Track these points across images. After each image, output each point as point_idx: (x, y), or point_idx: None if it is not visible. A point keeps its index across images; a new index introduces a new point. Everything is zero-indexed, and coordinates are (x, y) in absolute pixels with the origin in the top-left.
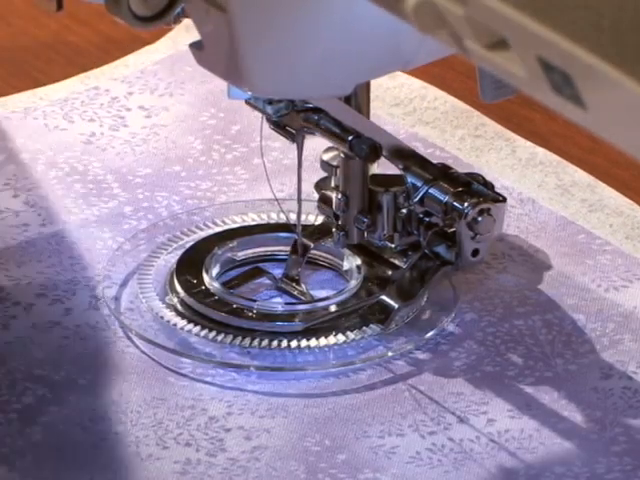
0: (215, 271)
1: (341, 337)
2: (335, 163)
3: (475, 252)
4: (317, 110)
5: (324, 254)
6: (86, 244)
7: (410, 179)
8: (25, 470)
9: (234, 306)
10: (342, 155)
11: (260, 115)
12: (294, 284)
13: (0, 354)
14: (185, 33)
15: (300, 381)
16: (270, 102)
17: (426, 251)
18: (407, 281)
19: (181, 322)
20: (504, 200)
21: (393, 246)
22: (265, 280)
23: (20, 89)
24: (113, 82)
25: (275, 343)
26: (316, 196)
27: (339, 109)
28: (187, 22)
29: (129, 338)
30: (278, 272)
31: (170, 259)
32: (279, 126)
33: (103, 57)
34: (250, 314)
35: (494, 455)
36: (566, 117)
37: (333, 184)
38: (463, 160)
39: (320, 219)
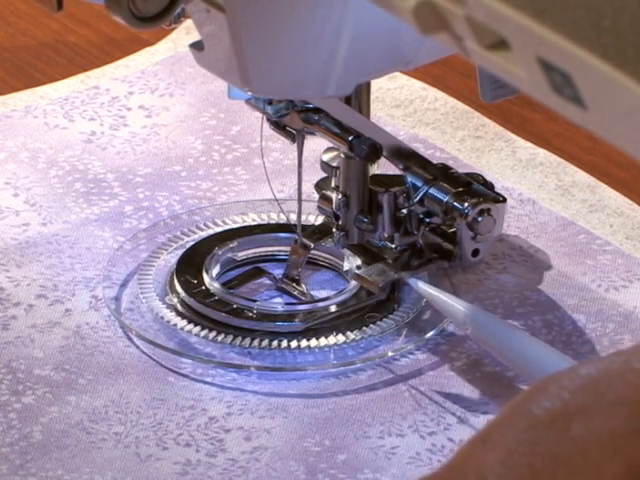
0: (215, 271)
1: (341, 337)
2: (335, 163)
3: (475, 252)
4: (317, 110)
5: (324, 254)
6: (86, 244)
7: (410, 179)
8: (25, 470)
9: (234, 306)
10: (342, 155)
11: (260, 115)
12: (294, 284)
13: (0, 354)
14: (185, 34)
15: (300, 381)
16: (270, 102)
17: (423, 249)
18: (407, 255)
19: (181, 322)
20: (504, 200)
21: (393, 246)
22: (265, 280)
23: (20, 89)
24: (113, 82)
25: (275, 343)
26: (316, 196)
27: (339, 109)
28: (187, 24)
29: (129, 338)
30: (278, 272)
31: (170, 259)
32: (279, 126)
33: (103, 57)
34: (250, 314)
35: None
36: (566, 117)
37: (333, 184)
38: (463, 161)
39: (320, 219)
